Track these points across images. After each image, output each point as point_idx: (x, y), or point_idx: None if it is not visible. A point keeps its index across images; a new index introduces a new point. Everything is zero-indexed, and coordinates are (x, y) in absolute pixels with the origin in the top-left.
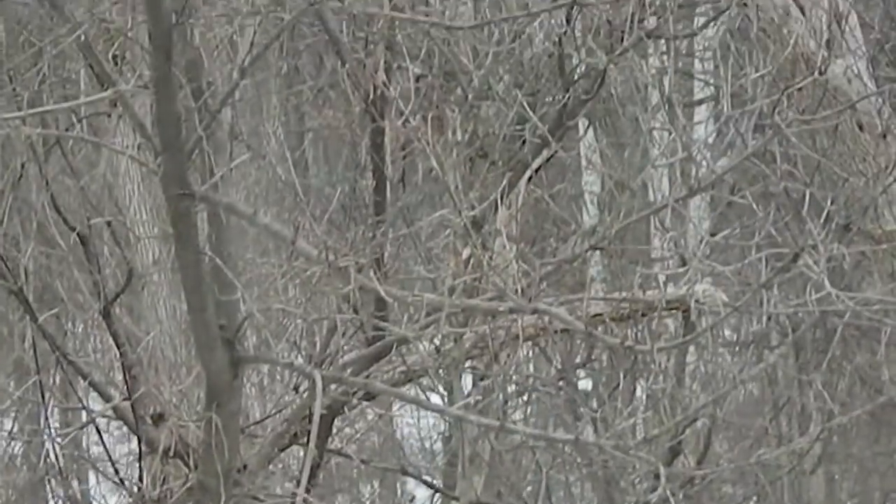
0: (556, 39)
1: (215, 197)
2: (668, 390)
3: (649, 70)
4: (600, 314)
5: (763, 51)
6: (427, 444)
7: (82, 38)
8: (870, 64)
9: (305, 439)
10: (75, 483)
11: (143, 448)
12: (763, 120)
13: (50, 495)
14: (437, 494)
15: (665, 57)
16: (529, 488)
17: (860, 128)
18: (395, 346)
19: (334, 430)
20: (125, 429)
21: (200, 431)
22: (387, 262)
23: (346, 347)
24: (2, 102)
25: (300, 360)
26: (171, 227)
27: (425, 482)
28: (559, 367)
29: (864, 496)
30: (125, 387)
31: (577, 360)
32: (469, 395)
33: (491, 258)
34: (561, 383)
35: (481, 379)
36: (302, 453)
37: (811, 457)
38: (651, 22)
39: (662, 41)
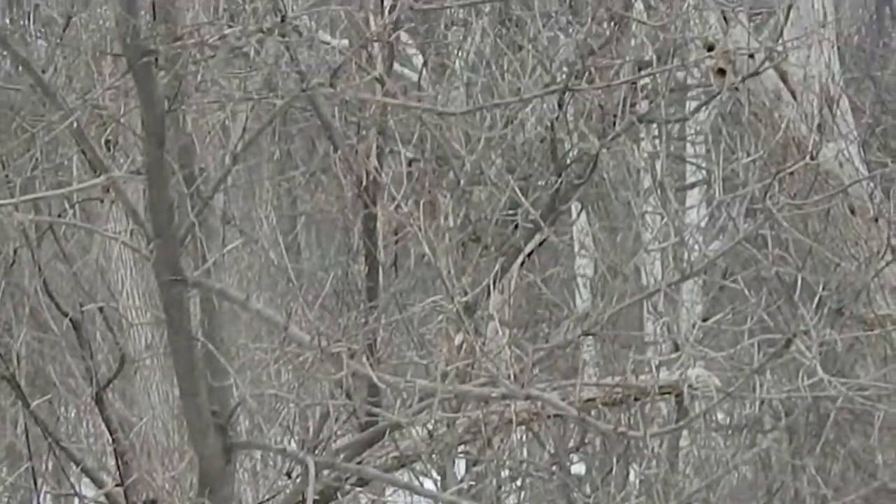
0: (549, 124)
1: (208, 283)
2: (661, 475)
3: (641, 154)
4: (593, 399)
5: (755, 135)
6: None
7: (75, 124)
8: (861, 148)
9: None
10: None
11: None
12: (755, 204)
13: None
14: None
15: (657, 141)
16: None
17: (852, 212)
18: (387, 432)
19: None
20: None
21: None
22: (379, 347)
23: (338, 433)
24: None
25: (293, 445)
26: (163, 312)
27: None
28: (552, 452)
29: None
30: (118, 473)
31: (571, 444)
32: (462, 480)
33: (483, 344)
34: (554, 468)
35: (474, 464)
36: None
37: None
38: (643, 106)
39: (654, 125)
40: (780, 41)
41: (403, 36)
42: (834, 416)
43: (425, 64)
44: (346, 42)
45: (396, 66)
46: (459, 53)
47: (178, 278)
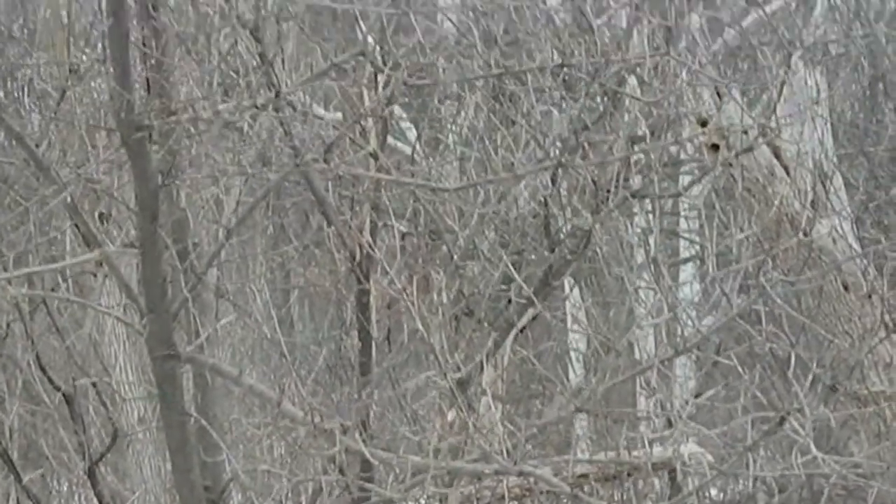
0: (542, 199)
1: (201, 358)
2: None
3: (635, 229)
4: (586, 475)
5: (748, 210)
6: None
7: (68, 198)
8: (855, 224)
9: None
10: None
11: None
12: (748, 280)
13: None
14: None
15: (650, 216)
16: None
17: (846, 288)
18: None
19: None
20: None
21: None
22: (372, 423)
23: None
24: None
25: None
26: (156, 387)
27: None
28: None
29: None
30: None
31: None
32: None
33: (476, 419)
34: None
35: None
36: None
37: None
38: (636, 181)
39: (648, 200)
40: (774, 117)
41: (397, 110)
42: (828, 493)
43: (419, 138)
44: (339, 115)
45: (390, 139)
46: (453, 127)
47: (171, 353)
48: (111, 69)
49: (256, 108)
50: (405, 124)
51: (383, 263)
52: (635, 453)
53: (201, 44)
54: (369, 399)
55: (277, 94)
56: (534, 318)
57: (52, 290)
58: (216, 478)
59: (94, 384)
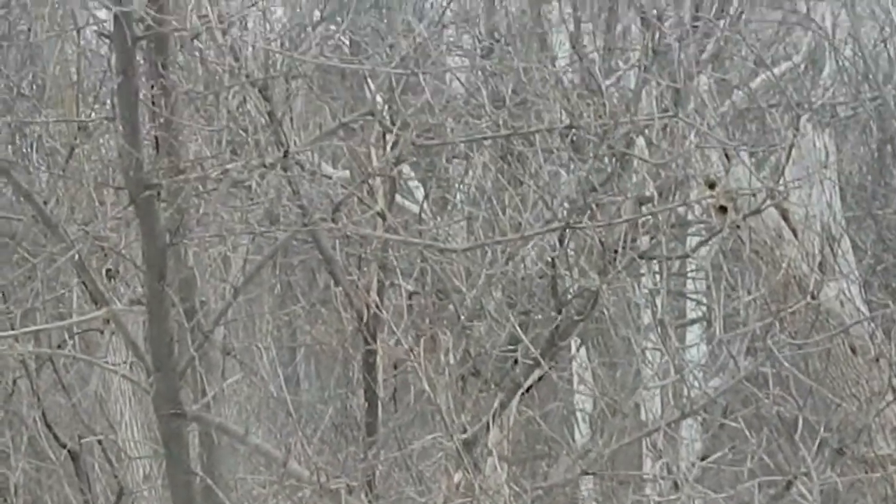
0: (549, 260)
1: (207, 417)
2: None
3: (642, 290)
4: None
5: (756, 272)
6: None
7: (76, 256)
8: (862, 288)
9: None
10: None
11: None
12: (755, 342)
13: None
14: None
15: (657, 277)
16: None
17: (853, 351)
18: None
19: None
20: None
21: None
22: (378, 483)
23: None
24: None
25: None
26: (162, 445)
27: None
28: None
29: None
30: None
31: None
32: None
33: (482, 480)
34: None
35: None
36: None
37: None
38: (644, 242)
39: (655, 261)
40: (782, 179)
41: (405, 168)
42: None
43: (426, 196)
44: (347, 173)
45: (398, 197)
46: (461, 187)
47: (177, 412)
48: (120, 127)
49: (265, 167)
50: (413, 183)
51: (390, 323)
52: None
53: (210, 102)
54: (375, 459)
55: (286, 154)
56: (540, 379)
57: (59, 347)
58: None
59: (99, 441)
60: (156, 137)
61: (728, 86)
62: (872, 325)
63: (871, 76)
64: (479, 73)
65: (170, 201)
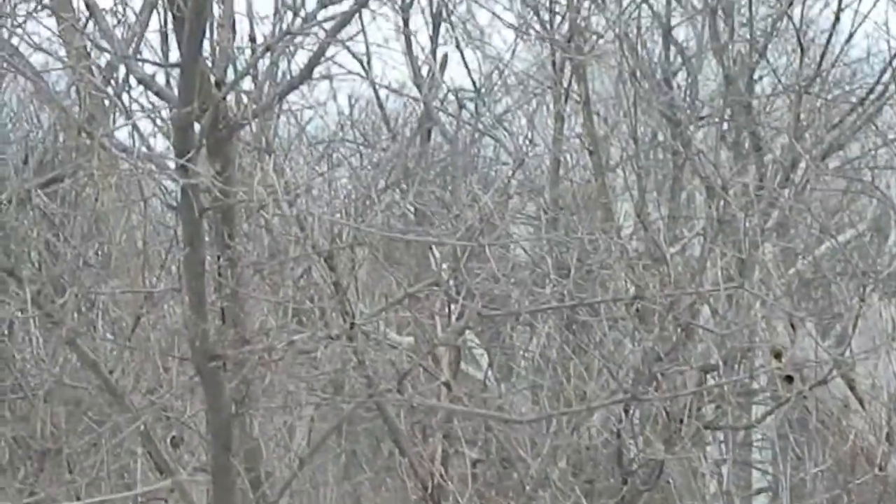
0: (614, 430)
1: None
2: None
3: (707, 460)
4: None
5: (822, 443)
6: None
7: (142, 426)
8: None
9: None
10: None
11: None
12: None
13: None
14: None
15: (723, 446)
16: None
17: None
18: None
19: None
20: None
21: None
22: None
23: None
24: (60, 492)
25: None
26: None
27: None
28: None
29: None
30: None
31: None
32: None
33: None
34: None
35: None
36: None
37: None
38: (709, 412)
39: (721, 431)
40: (849, 350)
41: (470, 336)
42: None
43: (491, 364)
44: (412, 339)
45: (462, 364)
46: (525, 355)
47: None
48: (186, 298)
49: (331, 338)
50: (477, 351)
51: (455, 494)
52: None
53: (275, 271)
54: None
55: (353, 326)
56: None
57: None
58: None
59: None
60: (222, 308)
61: (792, 254)
62: None
63: None
64: (544, 242)
65: (235, 372)
